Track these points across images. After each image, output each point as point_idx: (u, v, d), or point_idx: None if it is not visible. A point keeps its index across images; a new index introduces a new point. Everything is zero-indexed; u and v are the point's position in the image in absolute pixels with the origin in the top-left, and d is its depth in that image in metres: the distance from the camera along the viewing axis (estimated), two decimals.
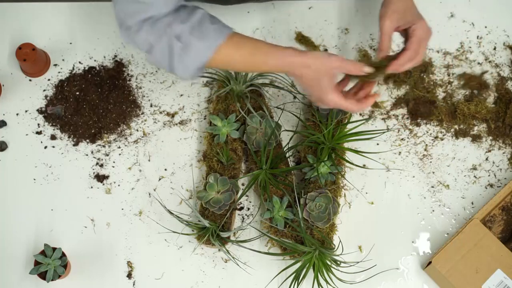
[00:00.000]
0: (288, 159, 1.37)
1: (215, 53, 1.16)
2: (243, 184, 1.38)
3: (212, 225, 1.29)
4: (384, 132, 1.40)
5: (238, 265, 1.31)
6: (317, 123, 1.35)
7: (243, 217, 1.36)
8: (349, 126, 1.37)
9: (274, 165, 1.32)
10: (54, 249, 1.26)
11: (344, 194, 1.37)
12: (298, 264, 1.27)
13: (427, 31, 1.23)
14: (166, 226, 1.34)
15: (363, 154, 1.34)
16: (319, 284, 1.25)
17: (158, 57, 1.17)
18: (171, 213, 1.29)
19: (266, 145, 1.31)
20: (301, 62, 1.16)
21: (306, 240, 1.26)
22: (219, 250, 1.33)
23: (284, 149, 1.35)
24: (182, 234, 1.32)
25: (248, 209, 1.37)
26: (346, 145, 1.37)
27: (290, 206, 1.32)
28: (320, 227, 1.29)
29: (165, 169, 1.39)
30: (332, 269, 1.26)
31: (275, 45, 1.19)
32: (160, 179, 1.38)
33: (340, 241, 1.30)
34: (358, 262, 1.29)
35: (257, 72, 1.33)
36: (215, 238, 1.28)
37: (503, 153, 1.42)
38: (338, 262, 1.26)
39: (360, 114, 1.44)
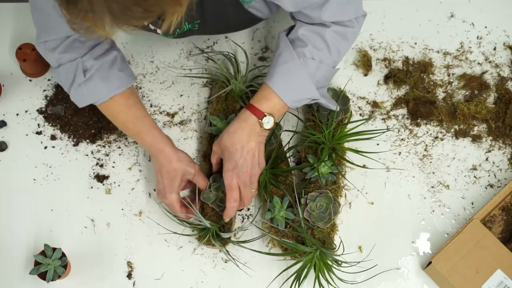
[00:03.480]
0: (289, 159, 1.37)
1: (107, 101, 1.26)
2: None
3: (213, 226, 1.28)
4: (384, 132, 1.40)
5: (238, 266, 1.31)
6: (318, 123, 1.35)
7: (243, 217, 1.36)
8: (349, 126, 1.37)
9: (275, 165, 1.32)
10: (54, 249, 1.26)
11: (345, 194, 1.37)
12: (299, 265, 1.27)
13: (235, 179, 1.25)
14: (166, 227, 1.34)
15: (363, 154, 1.34)
16: (320, 284, 1.25)
17: (62, 77, 1.26)
18: (174, 214, 1.29)
19: (266, 145, 1.31)
20: (169, 153, 1.27)
21: (307, 240, 1.26)
22: (220, 250, 1.32)
23: (285, 149, 1.35)
24: (182, 235, 1.32)
25: (248, 209, 1.37)
26: (346, 145, 1.37)
27: (290, 206, 1.32)
28: (321, 227, 1.29)
29: None
30: (333, 269, 1.26)
31: (156, 125, 1.30)
32: None
33: (341, 241, 1.30)
34: (359, 262, 1.29)
35: (130, 136, 1.36)
36: (215, 239, 1.28)
37: (503, 153, 1.42)
38: (339, 262, 1.26)
39: (360, 114, 1.44)
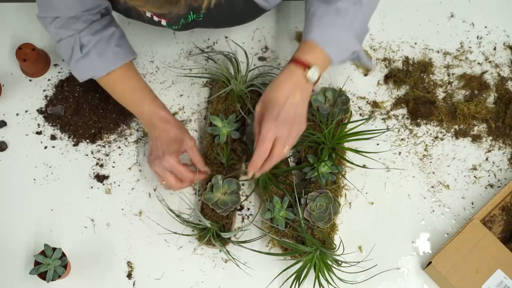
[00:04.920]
0: (288, 159, 1.37)
1: (106, 75, 1.29)
2: (243, 184, 1.37)
3: (213, 226, 1.28)
4: (384, 132, 1.40)
5: (238, 266, 1.31)
6: (317, 123, 1.35)
7: (243, 217, 1.36)
8: (349, 126, 1.37)
9: (275, 165, 1.32)
10: (54, 249, 1.26)
11: (345, 194, 1.37)
12: (299, 264, 1.27)
13: (273, 131, 1.18)
14: (166, 227, 1.34)
15: (363, 154, 1.34)
16: (320, 284, 1.25)
17: (63, 51, 1.29)
18: (172, 211, 1.29)
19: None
20: (170, 120, 1.30)
21: (307, 240, 1.26)
22: (220, 250, 1.32)
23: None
24: (182, 235, 1.32)
25: (248, 209, 1.37)
26: (346, 145, 1.37)
27: (290, 206, 1.32)
28: (321, 227, 1.29)
29: None
30: (333, 269, 1.26)
31: (155, 95, 1.33)
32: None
33: (341, 241, 1.30)
34: (359, 262, 1.29)
35: (129, 109, 1.35)
36: (216, 239, 1.28)
37: (503, 153, 1.42)
38: (339, 262, 1.26)
39: (360, 114, 1.44)
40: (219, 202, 1.30)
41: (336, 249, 1.29)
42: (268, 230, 1.31)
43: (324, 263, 1.25)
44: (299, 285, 1.25)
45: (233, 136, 1.36)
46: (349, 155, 1.36)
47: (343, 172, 1.36)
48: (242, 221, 1.36)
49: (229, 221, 1.32)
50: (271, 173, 1.31)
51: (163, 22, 1.26)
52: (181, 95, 1.44)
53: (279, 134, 1.19)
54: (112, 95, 1.34)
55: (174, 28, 1.29)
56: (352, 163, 1.34)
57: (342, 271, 1.28)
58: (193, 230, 1.32)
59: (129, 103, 1.32)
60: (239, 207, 1.36)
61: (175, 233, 1.32)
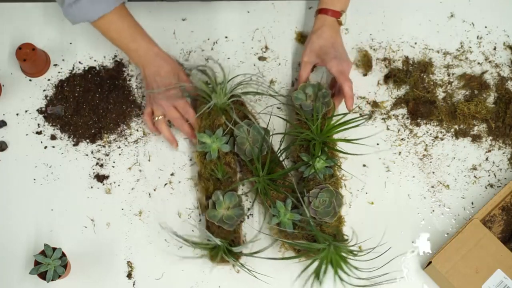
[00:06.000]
0: (283, 162, 1.36)
1: (99, 19, 1.30)
2: (244, 195, 1.36)
3: (223, 242, 1.26)
4: (369, 117, 1.41)
5: (256, 277, 1.29)
6: (303, 121, 1.35)
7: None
8: (335, 118, 1.35)
9: (271, 170, 1.32)
10: (54, 249, 1.26)
11: (344, 184, 1.37)
12: (316, 263, 1.25)
13: (340, 66, 1.34)
14: (166, 228, 1.34)
15: (353, 142, 1.32)
16: (340, 278, 1.24)
17: None
18: (180, 237, 1.29)
19: (259, 153, 1.30)
20: (166, 56, 1.35)
21: (319, 236, 1.25)
22: (233, 265, 1.31)
23: (277, 153, 1.33)
24: (195, 258, 1.30)
25: (252, 215, 1.36)
26: (335, 136, 1.36)
27: (294, 208, 1.31)
28: (329, 222, 1.29)
29: (165, 169, 1.39)
30: (349, 260, 1.25)
31: (147, 33, 1.36)
32: (159, 178, 1.38)
33: (353, 230, 1.30)
34: (374, 248, 1.28)
35: (124, 49, 1.37)
36: (228, 255, 1.25)
37: (503, 153, 1.42)
38: (355, 252, 1.25)
39: (360, 114, 1.43)
40: (224, 217, 1.28)
41: (350, 240, 1.28)
42: (277, 235, 1.30)
43: (339, 256, 1.24)
44: (320, 284, 1.24)
45: (224, 150, 1.33)
46: (342, 146, 1.35)
47: (339, 163, 1.36)
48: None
49: (237, 235, 1.30)
50: (269, 179, 1.30)
51: None
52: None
53: (345, 69, 1.34)
54: (106, 36, 1.35)
55: None
56: (345, 152, 1.33)
57: (360, 261, 1.27)
58: (201, 250, 1.29)
59: (125, 41, 1.34)
60: (243, 219, 1.34)
61: (188, 257, 1.31)
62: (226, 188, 1.31)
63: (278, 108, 1.44)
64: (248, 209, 1.34)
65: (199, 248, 1.28)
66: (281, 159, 1.35)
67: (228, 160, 1.34)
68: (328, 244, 1.24)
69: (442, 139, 1.42)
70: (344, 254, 1.25)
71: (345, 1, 1.39)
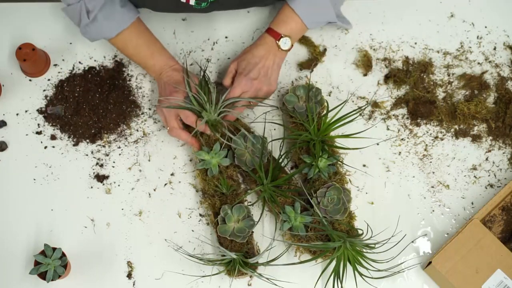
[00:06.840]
0: (285, 167, 1.36)
1: (117, 36, 1.34)
2: (251, 205, 1.36)
3: (238, 255, 1.26)
4: (364, 109, 1.41)
5: (277, 285, 1.29)
6: (299, 123, 1.35)
7: (262, 237, 1.34)
8: (330, 116, 1.34)
9: (274, 177, 1.32)
10: (54, 249, 1.26)
11: (349, 180, 1.37)
12: (334, 263, 1.25)
13: (248, 85, 1.32)
14: (166, 227, 1.34)
15: (352, 136, 1.32)
16: (360, 274, 1.24)
17: (70, 16, 1.35)
18: (193, 256, 1.28)
19: (261, 162, 1.30)
20: (175, 66, 1.36)
21: (333, 235, 1.25)
22: (250, 277, 1.31)
23: (279, 158, 1.32)
24: (212, 275, 1.29)
25: (261, 224, 1.36)
26: (333, 133, 1.36)
27: (303, 211, 1.31)
28: (340, 219, 1.29)
29: (165, 169, 1.39)
30: (366, 254, 1.25)
31: (163, 46, 1.39)
32: (159, 178, 1.38)
33: (367, 224, 1.30)
34: (389, 238, 1.29)
35: (141, 65, 1.40)
36: (244, 267, 1.25)
37: (503, 153, 1.42)
38: (372, 245, 1.25)
39: (360, 114, 1.43)
40: (236, 230, 1.28)
41: (365, 233, 1.28)
42: (291, 240, 1.30)
43: (356, 252, 1.24)
44: (341, 283, 1.24)
45: (225, 164, 1.33)
46: (341, 143, 1.35)
47: (341, 159, 1.36)
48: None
49: (250, 246, 1.30)
50: (274, 186, 1.30)
51: (191, 1, 1.29)
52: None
53: (246, 89, 1.32)
54: (124, 52, 1.38)
55: (202, 6, 1.31)
56: (345, 148, 1.33)
57: (376, 253, 1.27)
58: (214, 264, 1.28)
59: (143, 57, 1.37)
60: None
61: (205, 276, 1.30)
62: (233, 202, 1.31)
63: (273, 113, 1.43)
64: (259, 219, 1.33)
65: (216, 265, 1.28)
66: (282, 164, 1.34)
67: (230, 173, 1.34)
68: (343, 241, 1.24)
69: (442, 139, 1.42)
70: (359, 249, 1.25)
71: (294, 28, 1.35)
